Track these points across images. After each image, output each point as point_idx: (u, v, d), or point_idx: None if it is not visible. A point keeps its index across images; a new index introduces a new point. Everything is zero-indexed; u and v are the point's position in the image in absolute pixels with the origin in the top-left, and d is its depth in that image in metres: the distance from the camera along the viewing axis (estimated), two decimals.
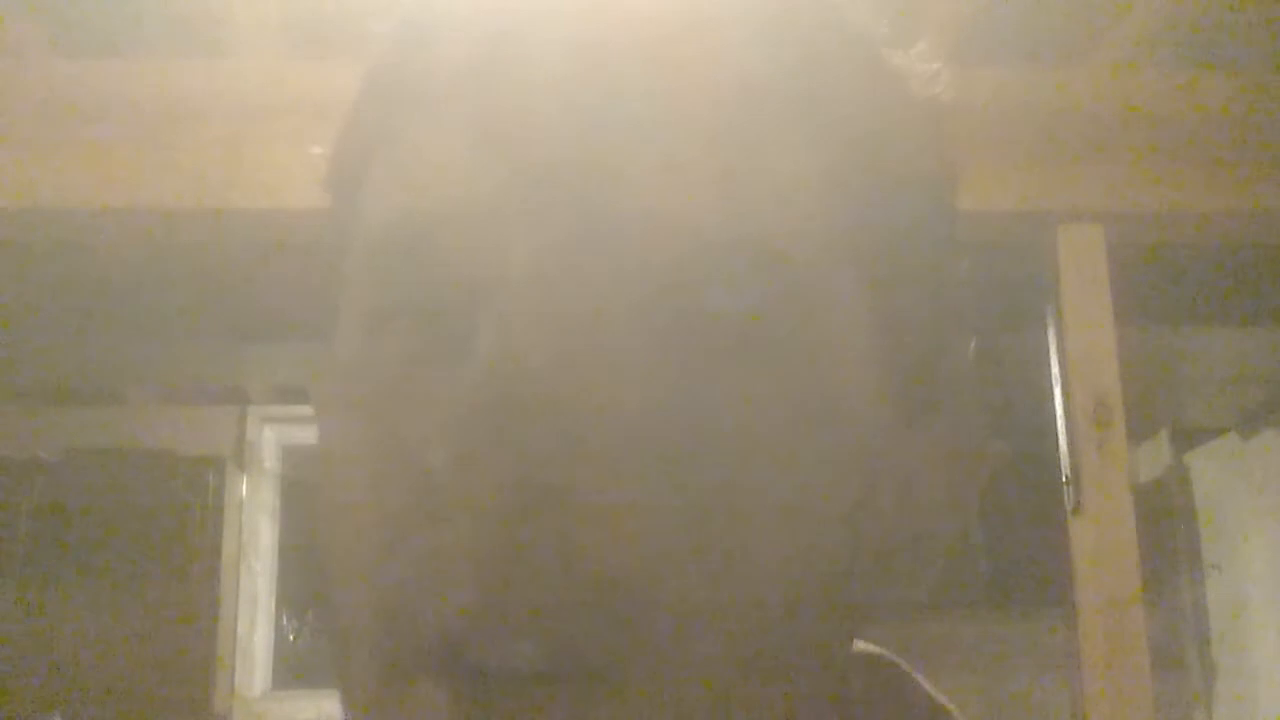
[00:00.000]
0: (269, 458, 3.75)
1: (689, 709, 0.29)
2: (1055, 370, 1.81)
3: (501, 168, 0.30)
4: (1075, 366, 1.78)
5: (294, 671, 3.76)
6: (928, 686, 0.38)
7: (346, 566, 0.32)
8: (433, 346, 0.31)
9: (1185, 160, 1.84)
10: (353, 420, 0.32)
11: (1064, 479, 1.78)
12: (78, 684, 3.26)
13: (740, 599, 0.29)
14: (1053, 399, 1.81)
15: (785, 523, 0.30)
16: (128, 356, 3.24)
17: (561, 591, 0.28)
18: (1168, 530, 3.37)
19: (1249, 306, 2.49)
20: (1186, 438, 3.42)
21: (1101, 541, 1.72)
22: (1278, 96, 1.85)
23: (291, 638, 3.82)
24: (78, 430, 3.54)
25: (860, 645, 0.38)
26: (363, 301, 0.33)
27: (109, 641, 3.32)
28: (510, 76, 0.31)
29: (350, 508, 0.31)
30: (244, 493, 3.62)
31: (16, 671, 3.22)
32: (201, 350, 3.20)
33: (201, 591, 3.49)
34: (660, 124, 0.30)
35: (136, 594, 3.36)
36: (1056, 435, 1.80)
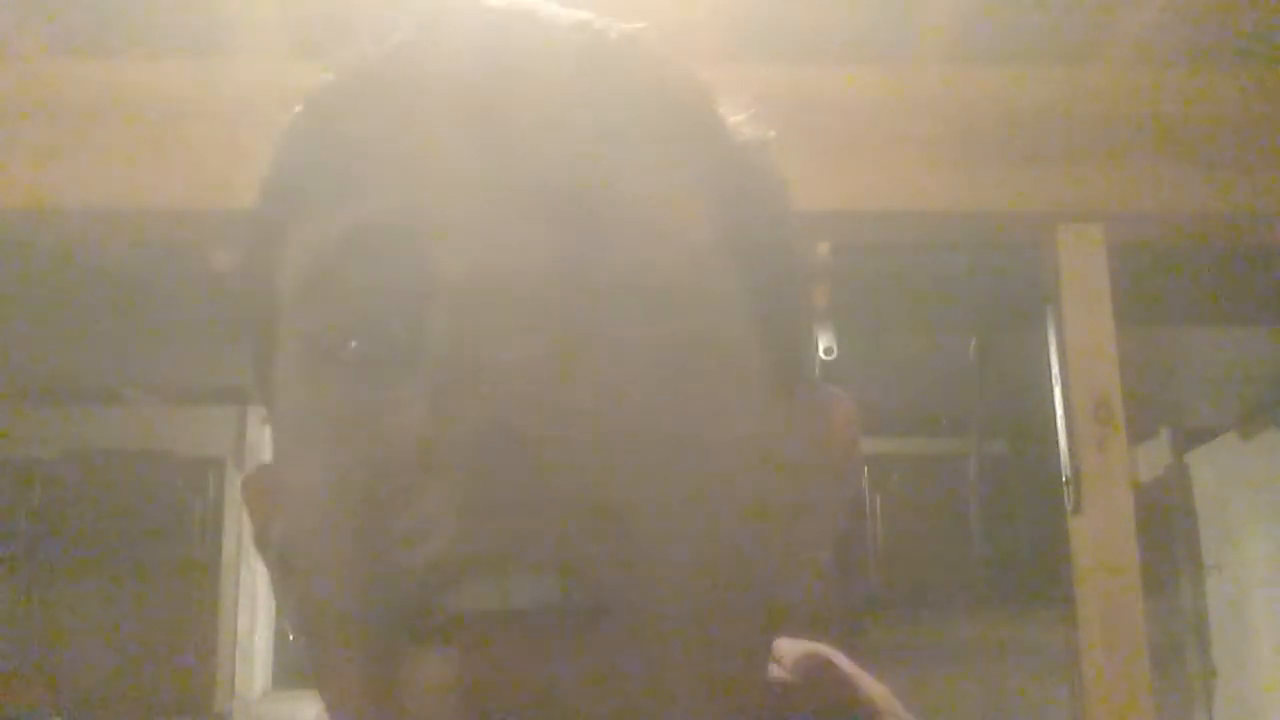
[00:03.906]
0: (269, 458, 3.76)
1: (682, 634, 0.32)
2: (1055, 370, 1.81)
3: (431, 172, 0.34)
4: (1075, 366, 1.78)
5: (294, 671, 3.76)
6: (864, 683, 0.41)
7: (330, 547, 0.33)
8: (391, 347, 0.33)
9: (1185, 160, 1.84)
10: (319, 416, 0.35)
11: (1064, 479, 1.78)
12: (78, 684, 3.26)
13: (698, 513, 0.33)
14: (1053, 399, 1.81)
15: (711, 443, 0.34)
16: (128, 356, 3.24)
17: (552, 524, 0.31)
18: (1168, 530, 3.37)
19: (1249, 306, 2.49)
20: (1186, 438, 3.42)
21: (1101, 541, 1.72)
22: (1278, 96, 1.85)
23: (291, 637, 3.82)
24: (77, 430, 3.54)
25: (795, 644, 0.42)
26: (311, 322, 0.35)
27: (109, 641, 3.32)
28: (428, 88, 0.36)
29: (328, 487, 0.33)
30: None
31: (16, 672, 3.23)
32: (201, 350, 3.20)
33: (201, 591, 3.49)
34: (560, 129, 0.35)
35: (136, 594, 3.37)
36: (1056, 435, 1.80)
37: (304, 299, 0.35)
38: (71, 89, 1.76)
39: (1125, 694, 1.67)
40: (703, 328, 0.35)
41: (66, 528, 3.36)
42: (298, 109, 0.39)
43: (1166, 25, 1.75)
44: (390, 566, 0.31)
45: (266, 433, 3.74)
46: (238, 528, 3.60)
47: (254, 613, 3.75)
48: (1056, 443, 1.80)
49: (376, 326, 0.34)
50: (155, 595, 3.38)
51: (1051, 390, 1.82)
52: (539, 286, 0.33)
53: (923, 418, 3.07)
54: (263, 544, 0.41)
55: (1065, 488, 1.77)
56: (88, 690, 3.26)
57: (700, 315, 0.35)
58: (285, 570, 0.38)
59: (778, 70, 1.78)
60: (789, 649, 0.41)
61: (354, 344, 0.34)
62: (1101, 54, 1.83)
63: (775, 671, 0.40)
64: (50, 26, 1.73)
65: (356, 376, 0.34)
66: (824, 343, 2.23)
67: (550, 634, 0.30)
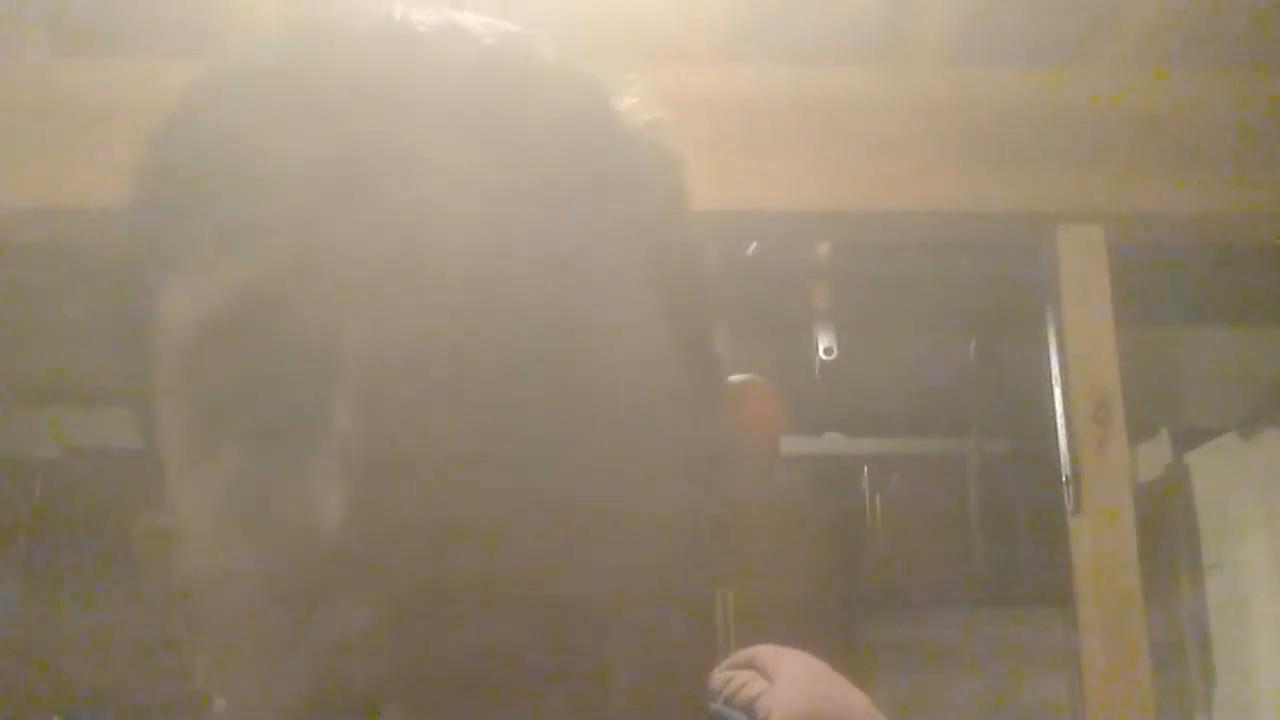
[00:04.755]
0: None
1: (617, 689, 0.30)
2: (1055, 370, 1.81)
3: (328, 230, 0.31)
4: (1075, 366, 1.77)
5: None
6: None
7: (242, 637, 0.31)
8: (291, 421, 0.30)
9: (1185, 160, 1.83)
10: (219, 513, 0.32)
11: (1064, 479, 1.78)
12: (77, 684, 3.26)
13: (646, 565, 0.31)
14: (1053, 399, 1.81)
15: (644, 487, 0.32)
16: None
17: (494, 613, 0.28)
18: (1168, 530, 3.37)
19: (1249, 306, 2.48)
20: (1186, 438, 3.41)
21: (1101, 541, 1.72)
22: (1277, 96, 1.85)
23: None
24: (78, 430, 3.54)
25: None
26: (201, 385, 0.32)
27: (109, 642, 3.32)
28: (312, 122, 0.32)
29: (234, 573, 0.31)
30: None
31: (16, 672, 3.22)
32: None
33: None
34: (469, 181, 0.32)
35: (136, 594, 3.36)
36: (1056, 435, 1.80)
37: (192, 357, 0.32)
38: (71, 89, 1.76)
39: (1125, 694, 1.67)
40: (630, 360, 0.33)
41: (66, 528, 3.36)
42: (162, 127, 0.37)
43: (1165, 25, 1.74)
44: (316, 670, 0.29)
45: None
46: None
47: None
48: (1056, 443, 1.80)
49: (275, 398, 0.30)
50: (156, 595, 3.38)
51: (1051, 390, 1.82)
52: (454, 353, 0.29)
53: (923, 418, 3.06)
54: (164, 591, 0.38)
55: (1065, 488, 1.77)
56: (87, 689, 3.26)
57: (626, 347, 0.33)
58: (190, 624, 0.35)
59: (778, 70, 1.78)
60: (770, 657, 0.41)
61: (251, 416, 0.31)
62: (1101, 54, 1.83)
63: (757, 682, 0.40)
64: (50, 26, 1.72)
65: (257, 452, 0.31)
66: (824, 343, 2.23)
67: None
